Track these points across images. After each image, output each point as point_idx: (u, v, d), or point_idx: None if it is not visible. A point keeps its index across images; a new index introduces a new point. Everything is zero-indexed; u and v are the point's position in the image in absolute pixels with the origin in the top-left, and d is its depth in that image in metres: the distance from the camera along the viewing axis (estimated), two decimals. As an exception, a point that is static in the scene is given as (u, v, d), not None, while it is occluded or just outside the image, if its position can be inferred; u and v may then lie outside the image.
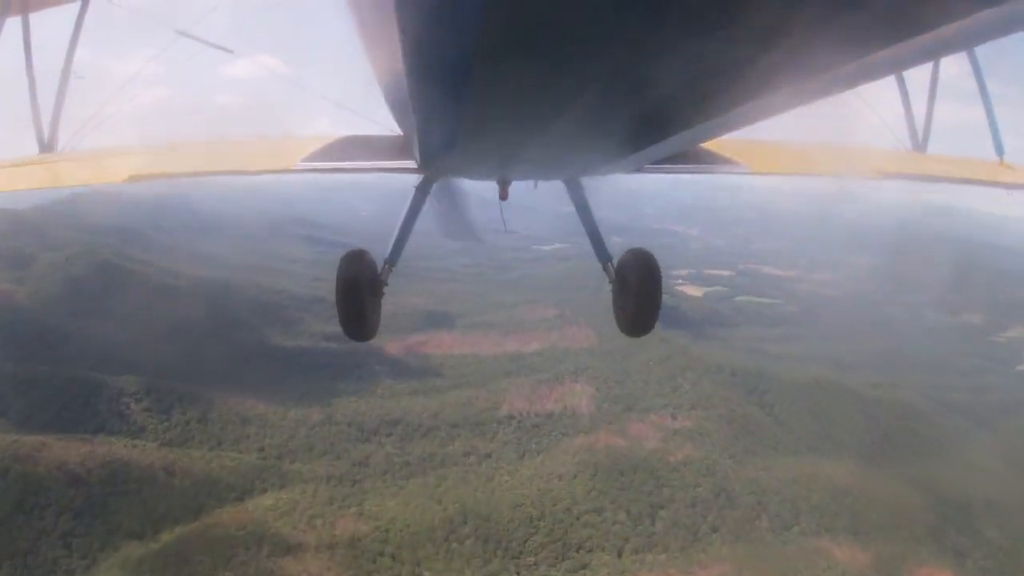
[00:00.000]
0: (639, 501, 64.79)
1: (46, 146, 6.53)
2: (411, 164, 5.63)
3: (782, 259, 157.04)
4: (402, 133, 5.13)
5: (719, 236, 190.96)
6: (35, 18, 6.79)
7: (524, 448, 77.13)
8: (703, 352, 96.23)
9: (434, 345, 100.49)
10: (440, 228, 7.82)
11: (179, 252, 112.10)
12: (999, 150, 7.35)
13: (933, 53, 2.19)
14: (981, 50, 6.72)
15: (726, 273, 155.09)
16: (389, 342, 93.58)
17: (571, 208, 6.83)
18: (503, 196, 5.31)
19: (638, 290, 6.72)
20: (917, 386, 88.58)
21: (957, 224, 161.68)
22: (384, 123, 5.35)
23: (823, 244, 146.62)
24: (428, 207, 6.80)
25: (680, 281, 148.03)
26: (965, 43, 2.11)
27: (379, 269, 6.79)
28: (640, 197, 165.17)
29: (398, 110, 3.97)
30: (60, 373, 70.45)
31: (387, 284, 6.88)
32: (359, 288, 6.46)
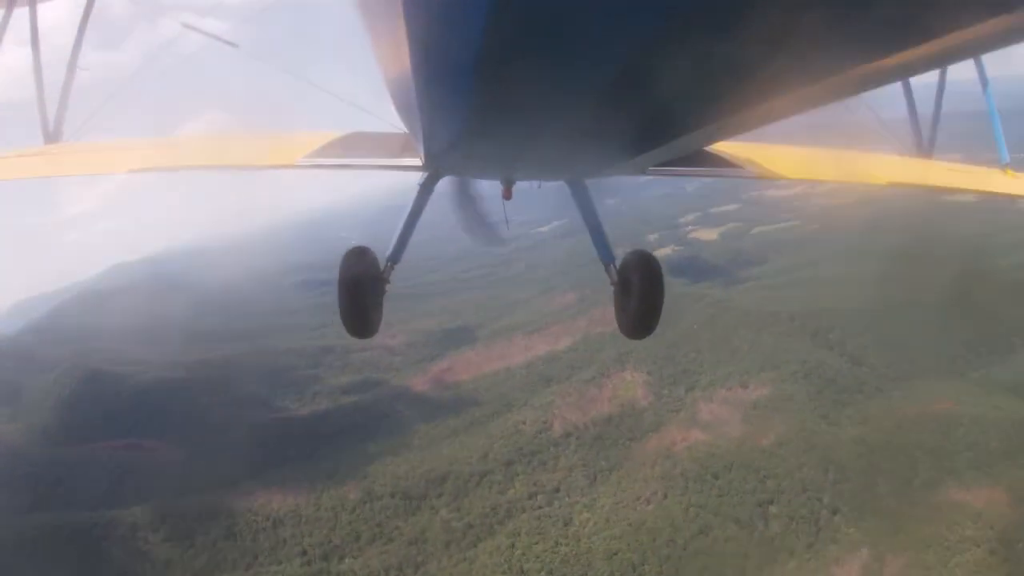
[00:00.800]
0: (744, 504, 55.69)
1: (51, 137, 6.59)
2: (415, 162, 5.41)
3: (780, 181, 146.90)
4: (407, 131, 4.89)
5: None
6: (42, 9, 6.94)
7: (593, 469, 67.78)
8: (745, 301, 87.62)
9: (461, 369, 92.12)
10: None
11: (173, 338, 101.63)
12: (1003, 156, 7.31)
13: (939, 60, 2.14)
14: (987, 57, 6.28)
15: (733, 207, 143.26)
16: (413, 378, 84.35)
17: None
18: (507, 196, 5.18)
19: (640, 292, 6.37)
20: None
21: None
22: (389, 120, 5.16)
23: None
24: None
25: (691, 227, 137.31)
26: (971, 51, 1.91)
27: (382, 267, 6.51)
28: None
29: (403, 108, 3.81)
30: (66, 520, 61.42)
31: (389, 282, 6.61)
32: (361, 286, 6.23)
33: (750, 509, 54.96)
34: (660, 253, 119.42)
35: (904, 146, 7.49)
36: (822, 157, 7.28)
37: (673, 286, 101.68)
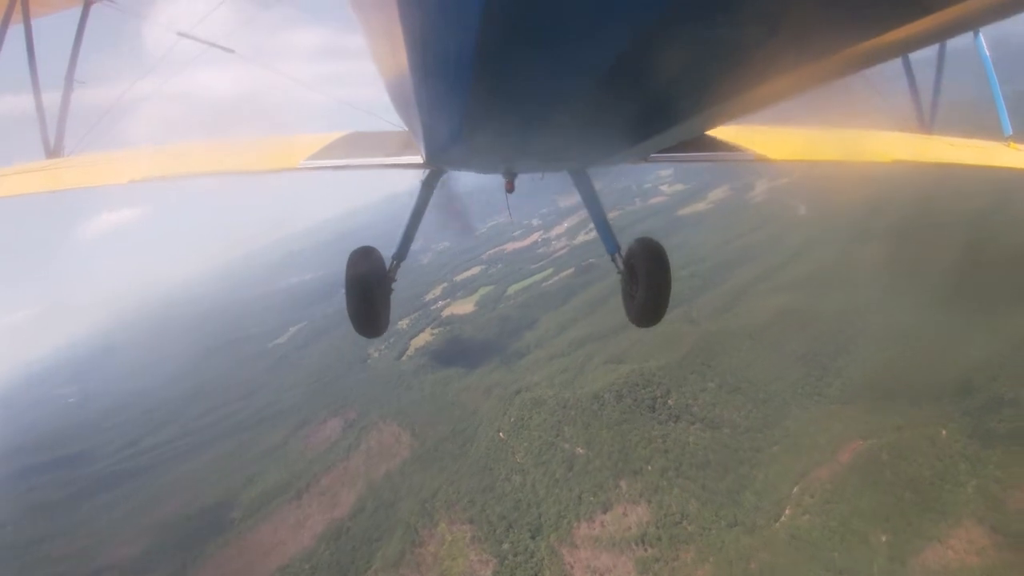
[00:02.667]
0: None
1: (52, 152, 6.52)
2: (416, 159, 5.37)
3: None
4: (407, 128, 4.89)
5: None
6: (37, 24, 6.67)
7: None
8: (538, 380, 75.36)
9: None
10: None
11: (123, 457, 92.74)
12: (1005, 130, 7.22)
13: (939, 35, 2.06)
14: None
15: (476, 270, 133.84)
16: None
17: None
18: (509, 189, 5.07)
19: (647, 280, 6.22)
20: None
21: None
22: (388, 118, 5.35)
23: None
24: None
25: (441, 303, 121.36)
26: (970, 24, 1.86)
27: (387, 266, 6.47)
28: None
29: (402, 105, 3.77)
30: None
31: (395, 280, 6.58)
32: (368, 285, 6.10)
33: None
34: (420, 341, 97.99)
35: (905, 123, 7.34)
36: (823, 137, 7.05)
37: (450, 380, 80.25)
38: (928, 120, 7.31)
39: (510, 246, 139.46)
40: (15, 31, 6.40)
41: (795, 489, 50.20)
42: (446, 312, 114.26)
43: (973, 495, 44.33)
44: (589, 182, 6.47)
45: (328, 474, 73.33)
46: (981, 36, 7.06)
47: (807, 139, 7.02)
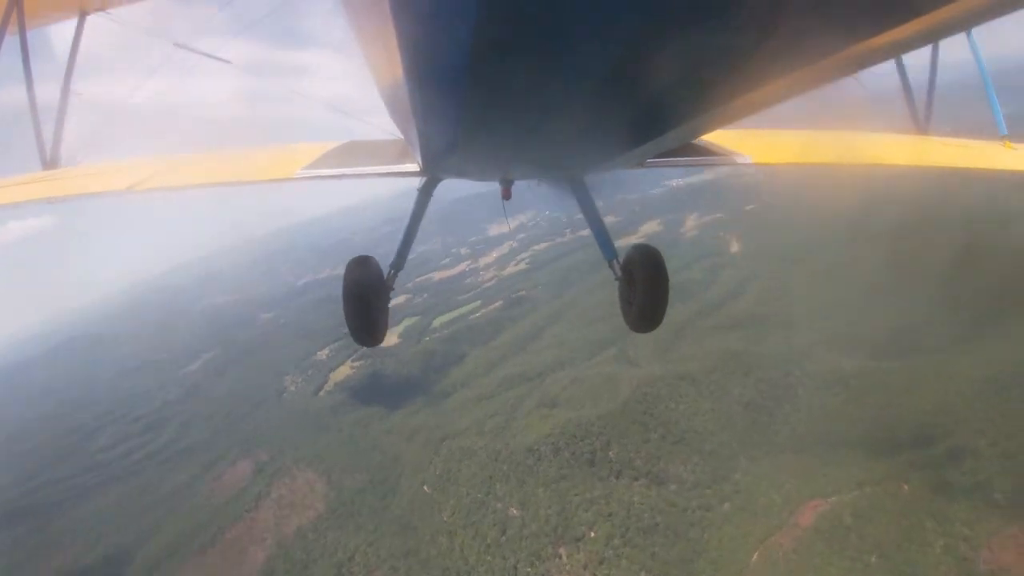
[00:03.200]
0: None
1: (49, 163, 6.50)
2: (413, 168, 5.29)
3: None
4: (402, 137, 4.95)
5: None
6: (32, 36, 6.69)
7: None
8: (465, 424, 67.92)
9: None
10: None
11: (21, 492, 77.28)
12: (1001, 129, 7.07)
13: (932, 36, 2.00)
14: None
15: (401, 300, 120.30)
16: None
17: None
18: (506, 196, 4.76)
19: (644, 286, 6.17)
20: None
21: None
22: (383, 127, 5.37)
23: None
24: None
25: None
26: (963, 24, 1.88)
27: (385, 275, 6.38)
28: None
29: (398, 113, 3.75)
30: None
31: (393, 289, 6.49)
32: (365, 294, 6.02)
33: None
34: (340, 375, 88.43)
35: (901, 124, 7.29)
36: (819, 140, 7.05)
37: (370, 421, 71.63)
38: (923, 121, 7.24)
39: (437, 275, 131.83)
40: (11, 42, 6.44)
41: (754, 557, 44.44)
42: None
43: (942, 555, 40.54)
44: (585, 189, 6.29)
45: (236, 526, 63.59)
46: (974, 35, 6.95)
47: (803, 142, 7.06)
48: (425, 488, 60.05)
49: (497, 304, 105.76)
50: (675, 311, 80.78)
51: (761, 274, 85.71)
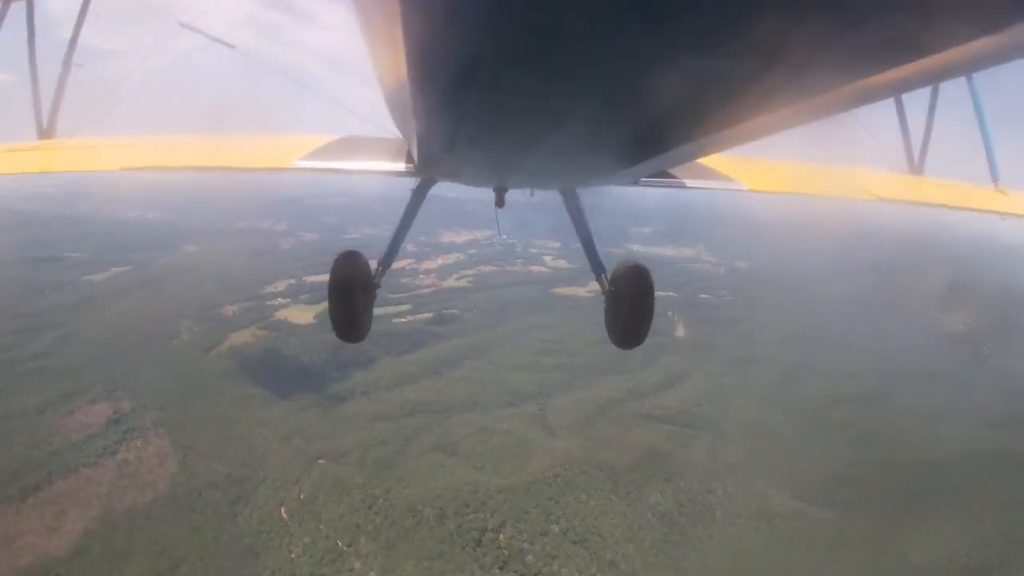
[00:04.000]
0: None
1: (44, 133, 6.41)
2: (409, 167, 5.26)
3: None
4: (401, 136, 4.80)
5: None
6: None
7: None
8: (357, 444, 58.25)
9: None
10: None
11: None
12: (995, 175, 7.13)
13: (932, 77, 1.95)
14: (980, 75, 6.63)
15: None
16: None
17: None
18: (499, 203, 5.01)
19: (631, 302, 6.23)
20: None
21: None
22: (382, 124, 5.19)
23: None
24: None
25: (279, 302, 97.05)
26: (964, 69, 1.91)
27: (373, 271, 6.53)
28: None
29: (398, 113, 3.62)
30: None
31: (380, 286, 6.60)
32: (352, 289, 6.09)
33: None
34: (239, 338, 76.85)
35: (895, 163, 7.33)
36: (813, 172, 7.12)
37: (251, 405, 67.37)
38: (918, 162, 7.27)
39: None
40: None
41: None
42: (280, 314, 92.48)
43: None
44: (578, 202, 6.35)
45: (66, 479, 52.23)
46: (975, 80, 6.84)
47: (796, 173, 7.04)
48: (283, 511, 49.98)
49: (426, 315, 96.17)
50: (607, 381, 73.86)
51: (702, 369, 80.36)
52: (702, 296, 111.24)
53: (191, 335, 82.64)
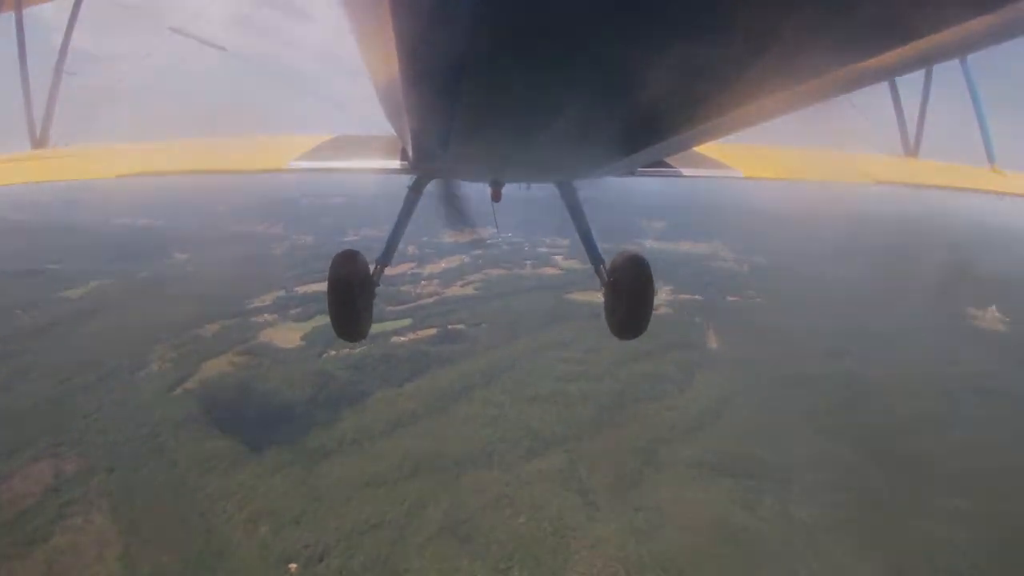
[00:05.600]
0: None
1: (38, 142, 6.21)
2: (404, 165, 5.19)
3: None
4: (395, 133, 4.52)
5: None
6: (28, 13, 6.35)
7: None
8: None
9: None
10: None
11: None
12: (990, 157, 6.91)
13: (926, 60, 1.94)
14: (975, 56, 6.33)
15: None
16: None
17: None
18: (495, 198, 4.68)
19: (630, 293, 6.14)
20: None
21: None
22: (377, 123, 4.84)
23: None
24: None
25: (264, 318, 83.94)
26: (959, 50, 1.82)
27: (371, 270, 6.42)
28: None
29: (391, 110, 3.50)
30: None
31: (379, 285, 6.52)
32: (351, 289, 6.03)
33: None
34: (212, 369, 64.38)
35: (891, 146, 7.10)
36: (810, 157, 6.95)
37: (215, 464, 53.73)
38: (913, 145, 7.04)
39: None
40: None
41: None
42: (265, 333, 79.15)
43: None
44: (575, 194, 6.21)
45: None
46: (969, 62, 6.68)
47: (793, 159, 6.88)
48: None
49: (429, 332, 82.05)
50: (643, 412, 60.38)
51: (746, 391, 66.84)
52: (730, 299, 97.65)
53: (160, 365, 69.06)
